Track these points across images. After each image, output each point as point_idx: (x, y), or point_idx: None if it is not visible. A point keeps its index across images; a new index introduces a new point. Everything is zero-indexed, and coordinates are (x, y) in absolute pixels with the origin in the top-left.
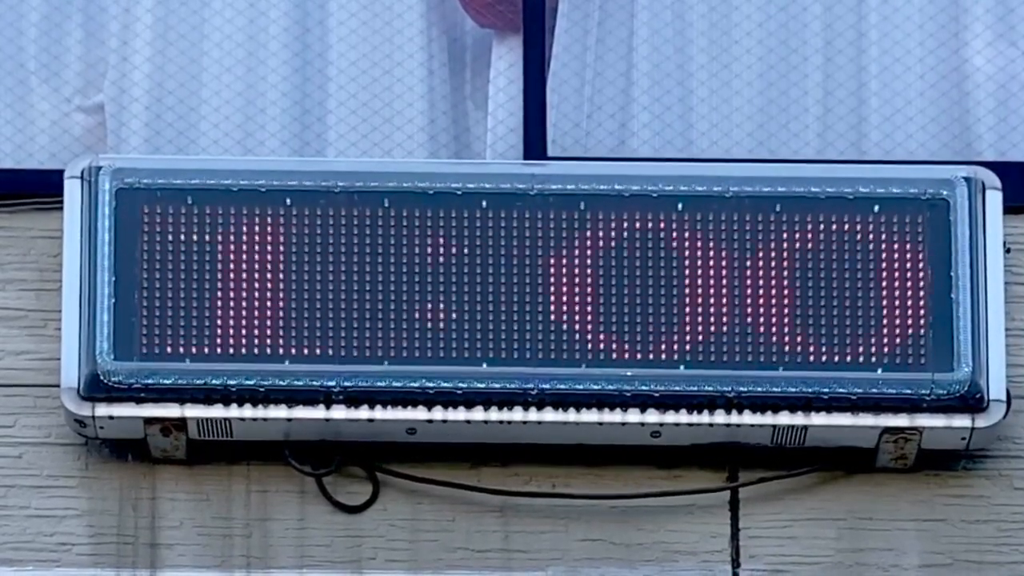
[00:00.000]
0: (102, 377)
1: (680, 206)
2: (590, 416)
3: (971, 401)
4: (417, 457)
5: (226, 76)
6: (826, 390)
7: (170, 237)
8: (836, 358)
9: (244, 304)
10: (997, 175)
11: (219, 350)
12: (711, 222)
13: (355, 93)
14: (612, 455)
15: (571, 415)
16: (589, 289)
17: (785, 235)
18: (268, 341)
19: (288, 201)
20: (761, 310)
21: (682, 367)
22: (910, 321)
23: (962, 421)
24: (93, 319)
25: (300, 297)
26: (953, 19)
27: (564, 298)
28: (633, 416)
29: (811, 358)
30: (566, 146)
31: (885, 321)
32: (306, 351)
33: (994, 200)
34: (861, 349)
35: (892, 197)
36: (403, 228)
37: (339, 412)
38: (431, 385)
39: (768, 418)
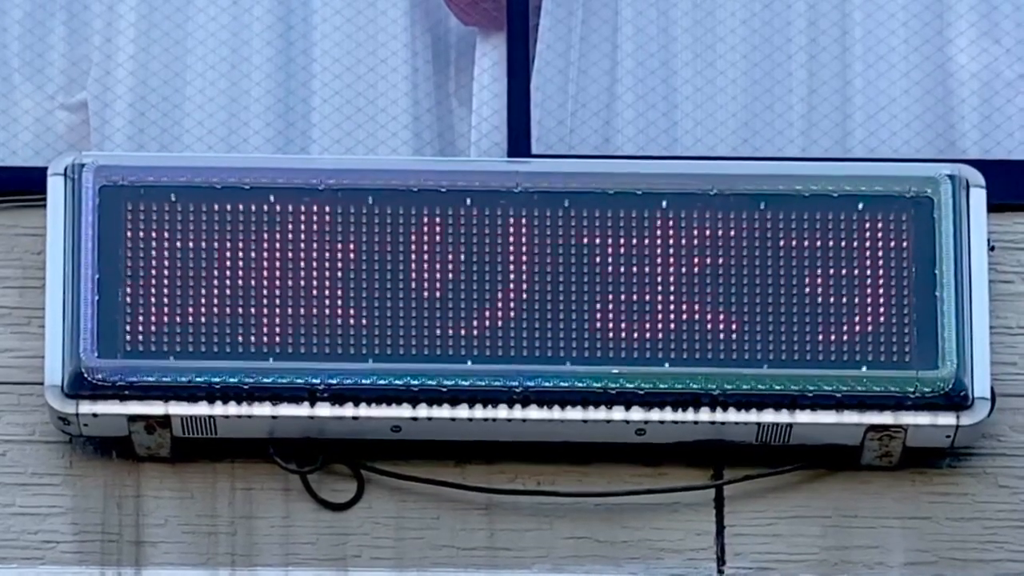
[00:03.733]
0: (86, 374)
1: (664, 204)
2: (575, 414)
3: (956, 399)
4: (402, 455)
5: (210, 73)
6: (811, 388)
7: (154, 234)
8: (820, 356)
9: (228, 301)
10: (981, 173)
11: (203, 347)
12: (695, 220)
13: (339, 90)
14: (597, 453)
15: (556, 413)
16: (573, 287)
17: (769, 233)
18: (252, 338)
19: (272, 198)
20: (745, 308)
21: (667, 364)
22: (894, 319)
23: (947, 419)
24: (77, 316)
25: (284, 294)
26: (937, 17)
27: (548, 295)
28: (618, 414)
29: (796, 356)
30: (550, 144)
31: (870, 319)
32: (290, 348)
33: (978, 198)
34: (845, 347)
35: (876, 195)
36: (387, 225)
37: (324, 410)
38: (416, 383)
39: (753, 416)
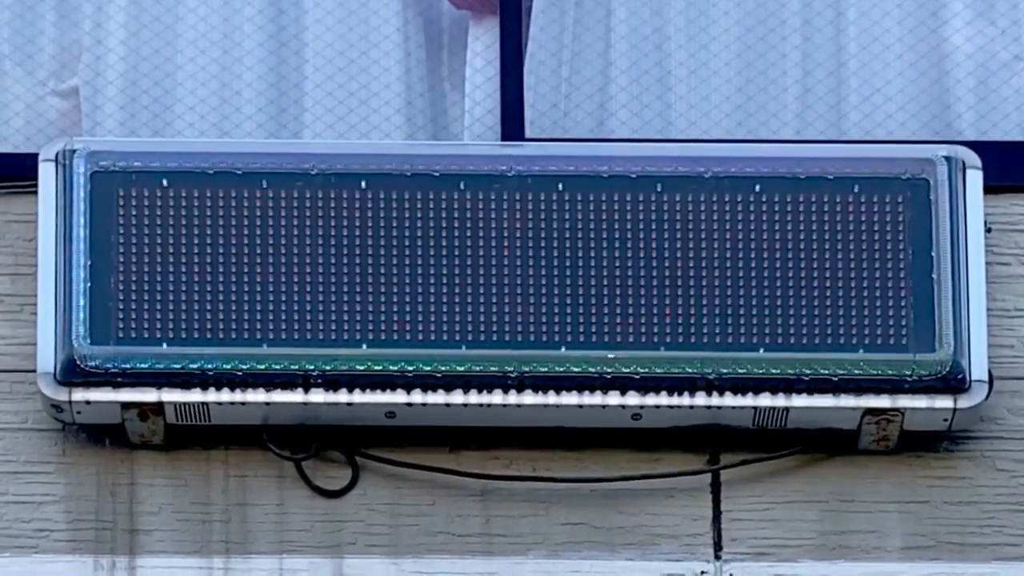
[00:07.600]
0: (78, 362)
1: (659, 187)
2: (570, 399)
3: (953, 382)
4: (396, 441)
5: (201, 58)
6: (807, 371)
7: (146, 220)
8: (817, 339)
9: (221, 287)
10: (977, 154)
11: (196, 334)
12: (690, 203)
13: (331, 75)
14: (593, 438)
15: (551, 398)
16: (568, 271)
17: (764, 215)
18: (246, 325)
19: (264, 184)
20: (741, 291)
21: (662, 349)
22: (891, 302)
23: (944, 402)
24: (69, 303)
25: (277, 280)
26: None
27: (543, 280)
28: (614, 398)
29: (792, 339)
30: (544, 127)
31: (866, 302)
32: (284, 334)
33: (974, 179)
34: (842, 330)
35: (872, 177)
36: (380, 210)
37: (318, 396)
38: (410, 368)
39: (749, 400)
